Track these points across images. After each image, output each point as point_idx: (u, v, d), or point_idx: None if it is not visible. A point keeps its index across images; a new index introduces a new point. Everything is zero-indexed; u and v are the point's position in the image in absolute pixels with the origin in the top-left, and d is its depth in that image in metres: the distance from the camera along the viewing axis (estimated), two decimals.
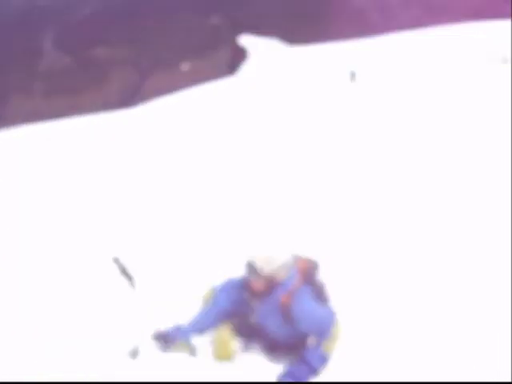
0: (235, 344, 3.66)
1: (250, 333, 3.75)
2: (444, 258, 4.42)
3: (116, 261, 4.45)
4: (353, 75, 11.30)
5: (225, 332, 3.64)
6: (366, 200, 6.05)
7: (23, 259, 5.19)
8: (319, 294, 3.74)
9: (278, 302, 3.52)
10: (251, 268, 3.46)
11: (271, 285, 3.49)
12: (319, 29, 14.20)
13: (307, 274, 3.70)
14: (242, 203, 6.42)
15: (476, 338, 3.34)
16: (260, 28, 13.21)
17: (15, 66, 12.54)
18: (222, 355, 3.64)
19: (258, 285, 3.50)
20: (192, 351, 3.58)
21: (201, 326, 3.70)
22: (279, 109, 10.39)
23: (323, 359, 3.49)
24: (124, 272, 4.33)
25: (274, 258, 3.43)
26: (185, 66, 11.41)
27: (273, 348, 3.75)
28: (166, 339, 3.61)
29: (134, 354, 3.56)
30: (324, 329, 3.48)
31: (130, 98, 11.00)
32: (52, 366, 3.43)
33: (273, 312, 3.53)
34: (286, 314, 3.50)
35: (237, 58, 12.51)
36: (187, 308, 3.91)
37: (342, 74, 11.42)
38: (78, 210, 6.92)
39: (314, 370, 3.47)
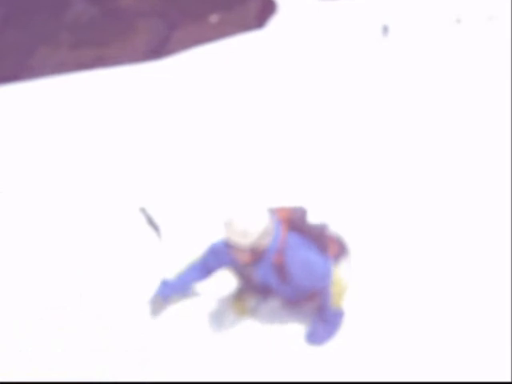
0: (251, 300, 3.63)
1: (263, 290, 3.69)
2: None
3: (143, 211, 4.42)
4: (385, 29, 10.96)
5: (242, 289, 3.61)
6: (390, 156, 5.95)
7: (48, 210, 5.22)
8: (315, 242, 3.57)
9: (270, 264, 3.39)
10: (229, 245, 3.22)
11: (257, 255, 3.25)
12: None
13: (291, 221, 3.46)
14: (267, 154, 6.37)
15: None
16: None
17: (43, 16, 12.42)
18: (240, 311, 3.62)
19: (243, 257, 3.27)
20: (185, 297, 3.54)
21: (185, 282, 3.58)
22: (307, 63, 10.20)
23: (336, 315, 3.46)
24: (150, 222, 4.30)
25: (249, 231, 3.13)
26: (213, 18, 11.21)
27: (288, 303, 3.71)
28: (161, 299, 3.57)
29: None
30: (318, 281, 3.29)
31: (157, 50, 10.87)
32: (75, 316, 3.47)
33: (269, 274, 3.41)
34: (281, 272, 3.37)
35: (266, 10, 12.25)
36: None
37: (374, 28, 11.11)
38: (104, 160, 6.93)
39: (331, 329, 3.46)
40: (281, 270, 3.28)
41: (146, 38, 11.57)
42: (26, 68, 11.29)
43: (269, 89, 9.54)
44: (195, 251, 3.90)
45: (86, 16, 12.96)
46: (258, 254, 3.23)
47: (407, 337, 3.22)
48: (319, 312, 3.44)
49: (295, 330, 3.41)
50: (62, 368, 2.99)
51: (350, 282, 3.42)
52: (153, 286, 3.53)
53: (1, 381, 2.98)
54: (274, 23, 12.00)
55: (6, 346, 3.18)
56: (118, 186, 5.74)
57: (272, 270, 3.29)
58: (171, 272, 3.67)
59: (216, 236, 3.86)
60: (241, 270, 3.54)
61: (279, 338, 3.33)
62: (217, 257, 3.47)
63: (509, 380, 2.93)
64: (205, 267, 3.51)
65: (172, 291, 3.54)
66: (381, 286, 3.67)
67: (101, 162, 6.81)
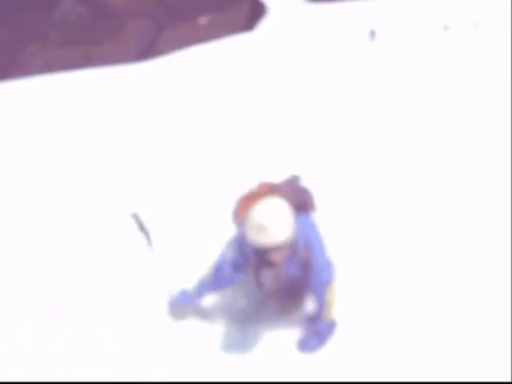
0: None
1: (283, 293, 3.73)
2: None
3: (134, 217, 4.43)
4: (372, 34, 11.05)
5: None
6: (382, 162, 6.02)
7: (43, 211, 5.21)
8: (298, 200, 3.63)
9: (300, 260, 3.41)
10: (271, 249, 3.14)
11: (293, 249, 3.29)
12: None
13: (295, 205, 3.44)
14: (260, 159, 6.41)
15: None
16: None
17: (32, 14, 12.33)
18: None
19: (282, 256, 3.26)
20: (202, 316, 3.61)
21: (203, 292, 3.63)
22: (297, 66, 10.26)
23: (329, 327, 3.52)
24: (142, 228, 4.31)
25: (285, 222, 3.11)
26: (203, 20, 11.22)
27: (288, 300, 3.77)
28: (176, 306, 3.61)
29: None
30: (323, 282, 3.36)
31: (146, 50, 10.84)
32: (75, 316, 3.49)
33: (297, 270, 3.44)
34: (306, 267, 3.41)
35: (256, 13, 12.28)
36: (204, 267, 3.87)
37: (362, 32, 11.21)
38: (93, 163, 6.93)
39: (323, 340, 3.53)
40: (307, 264, 3.29)
41: (134, 38, 11.53)
42: (14, 66, 11.21)
43: (258, 90, 9.59)
44: (186, 258, 3.89)
45: (75, 14, 12.88)
46: (293, 249, 3.25)
47: (407, 336, 3.26)
48: (312, 323, 3.48)
49: (287, 338, 3.44)
50: (62, 368, 3.03)
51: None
52: (150, 289, 3.56)
53: (1, 381, 3.01)
54: (264, 26, 12.06)
55: (6, 346, 3.20)
56: (108, 189, 5.73)
57: (300, 265, 3.30)
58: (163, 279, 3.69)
59: (207, 244, 3.84)
60: (258, 277, 3.54)
61: (271, 346, 3.37)
62: (226, 275, 3.49)
63: (509, 380, 2.98)
64: (215, 285, 3.52)
65: (190, 301, 3.57)
66: (378, 285, 3.71)
67: (90, 165, 6.80)
